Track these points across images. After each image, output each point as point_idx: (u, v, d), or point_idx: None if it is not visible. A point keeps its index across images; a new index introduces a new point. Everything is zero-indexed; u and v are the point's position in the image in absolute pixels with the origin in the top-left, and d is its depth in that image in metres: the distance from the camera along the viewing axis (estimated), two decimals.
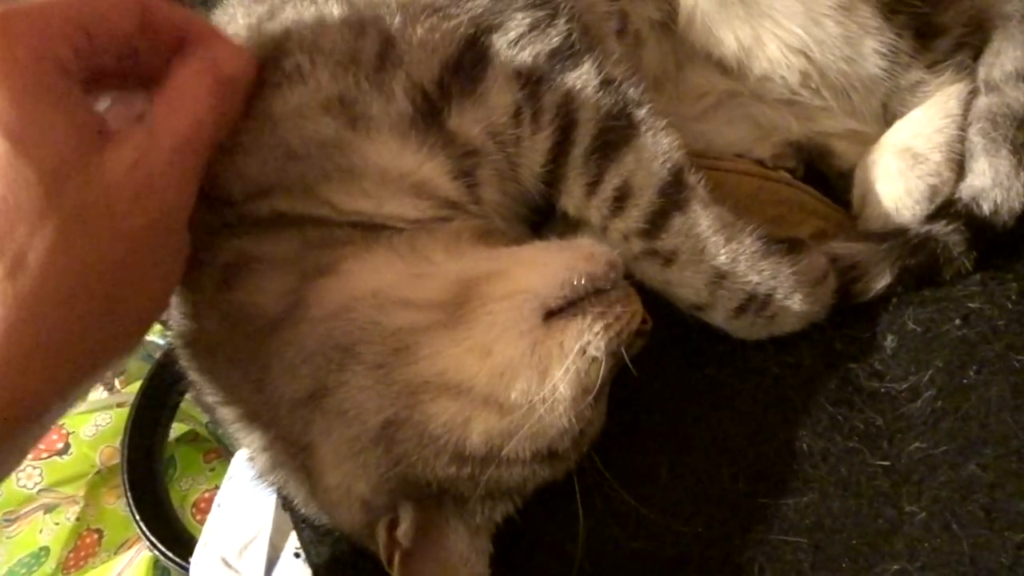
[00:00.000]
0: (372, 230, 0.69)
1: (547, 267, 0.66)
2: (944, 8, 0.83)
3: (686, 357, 0.76)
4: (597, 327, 0.64)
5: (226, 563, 0.81)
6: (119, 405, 1.17)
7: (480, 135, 0.70)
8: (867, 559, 0.62)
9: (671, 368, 0.76)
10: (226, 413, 0.71)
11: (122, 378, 1.26)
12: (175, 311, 0.74)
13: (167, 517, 0.98)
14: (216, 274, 0.69)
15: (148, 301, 0.59)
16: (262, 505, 0.82)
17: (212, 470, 1.20)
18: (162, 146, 0.55)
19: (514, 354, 0.62)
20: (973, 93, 0.84)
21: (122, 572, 1.11)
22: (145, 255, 0.55)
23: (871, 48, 0.81)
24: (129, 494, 0.96)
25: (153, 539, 0.94)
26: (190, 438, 1.24)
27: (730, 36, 0.82)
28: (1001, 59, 0.83)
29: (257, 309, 0.66)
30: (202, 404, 0.75)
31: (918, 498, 0.63)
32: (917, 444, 0.66)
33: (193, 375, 0.73)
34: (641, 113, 0.73)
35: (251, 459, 0.72)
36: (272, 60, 0.69)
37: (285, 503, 0.74)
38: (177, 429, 1.20)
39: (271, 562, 0.80)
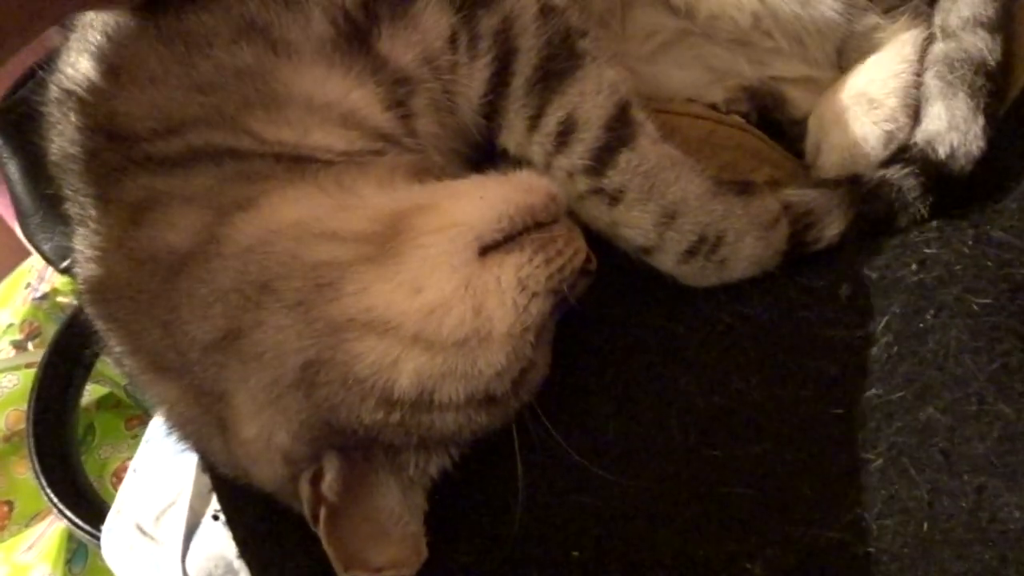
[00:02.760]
0: (296, 163, 0.63)
1: (483, 200, 0.61)
2: None
3: (634, 306, 0.72)
4: (537, 260, 0.60)
5: (141, 530, 0.75)
6: (28, 366, 1.10)
7: (413, 61, 0.66)
8: (822, 508, 0.59)
9: (618, 317, 0.72)
10: (133, 364, 0.65)
11: (36, 340, 1.18)
12: (80, 256, 0.68)
13: (78, 485, 0.91)
14: (123, 213, 0.64)
15: None
16: (181, 469, 0.77)
17: (134, 437, 1.13)
18: None
19: (447, 289, 0.58)
20: (929, 39, 0.81)
21: (34, 544, 1.04)
22: None
23: None
24: (36, 459, 0.89)
25: (62, 507, 0.87)
26: (111, 404, 1.16)
27: None
28: (958, 5, 0.81)
29: (167, 247, 0.61)
30: (110, 357, 0.69)
31: (874, 445, 0.60)
32: (873, 391, 0.63)
33: (99, 324, 0.67)
34: (585, 43, 0.69)
35: (163, 414, 0.66)
36: None
37: (202, 462, 0.69)
38: (94, 392, 1.13)
39: (191, 528, 0.74)
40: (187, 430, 0.65)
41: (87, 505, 0.90)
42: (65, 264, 0.89)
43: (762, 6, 0.79)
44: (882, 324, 0.67)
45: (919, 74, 0.80)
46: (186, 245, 0.60)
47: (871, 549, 0.55)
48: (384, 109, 0.65)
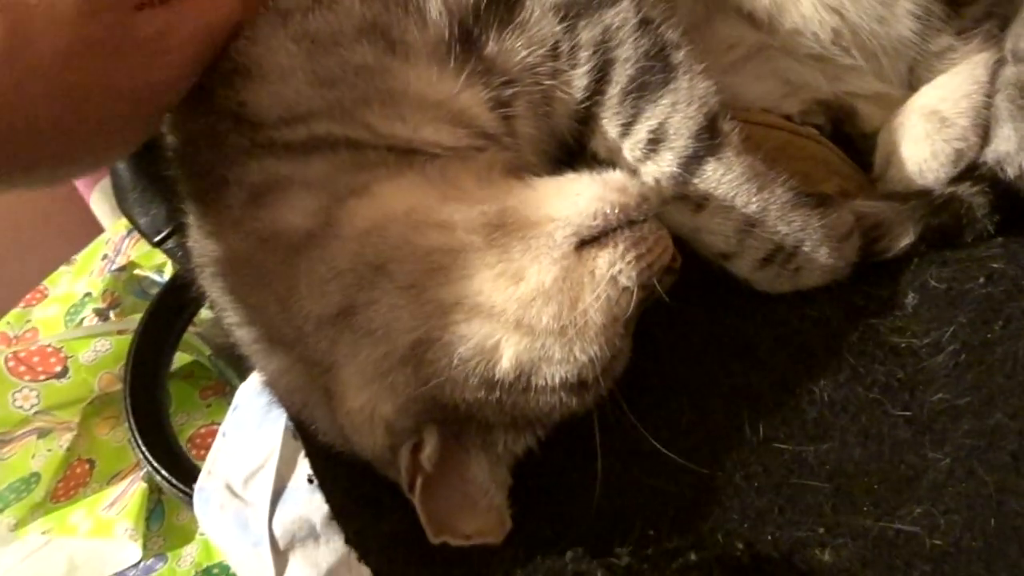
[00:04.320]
0: (406, 156, 0.68)
1: (580, 197, 0.65)
2: None
3: (712, 307, 0.76)
4: (629, 256, 0.64)
5: (231, 491, 0.80)
6: (120, 333, 1.16)
7: (517, 66, 0.70)
8: (890, 503, 0.62)
9: (697, 317, 0.76)
10: (246, 334, 0.70)
11: (117, 311, 1.24)
12: (196, 232, 0.73)
13: (168, 444, 0.96)
14: (243, 194, 0.68)
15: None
16: (269, 435, 0.81)
17: (208, 406, 1.18)
18: (184, 29, 0.65)
19: (546, 280, 0.62)
20: (1000, 62, 0.84)
21: (115, 502, 1.10)
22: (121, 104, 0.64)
23: (904, 9, 0.81)
24: (132, 418, 0.95)
25: (155, 464, 0.92)
26: (186, 374, 1.22)
27: None
28: None
29: (287, 226, 0.65)
30: (221, 327, 0.74)
31: (941, 446, 0.63)
32: (940, 395, 0.66)
33: (215, 295, 0.72)
34: (679, 56, 0.72)
35: (269, 383, 0.71)
36: None
37: (298, 430, 0.74)
38: (179, 360, 1.18)
39: (277, 492, 0.79)
40: (292, 398, 0.69)
41: (174, 464, 0.95)
42: (159, 238, 0.94)
43: (842, 22, 0.82)
44: (949, 333, 0.70)
45: (990, 95, 0.83)
46: (305, 226, 0.65)
47: (939, 542, 0.59)
48: (490, 109, 0.69)
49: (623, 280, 0.64)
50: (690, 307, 0.75)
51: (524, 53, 0.70)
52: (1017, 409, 0.62)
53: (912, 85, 0.87)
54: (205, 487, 0.82)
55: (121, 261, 1.30)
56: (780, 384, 0.72)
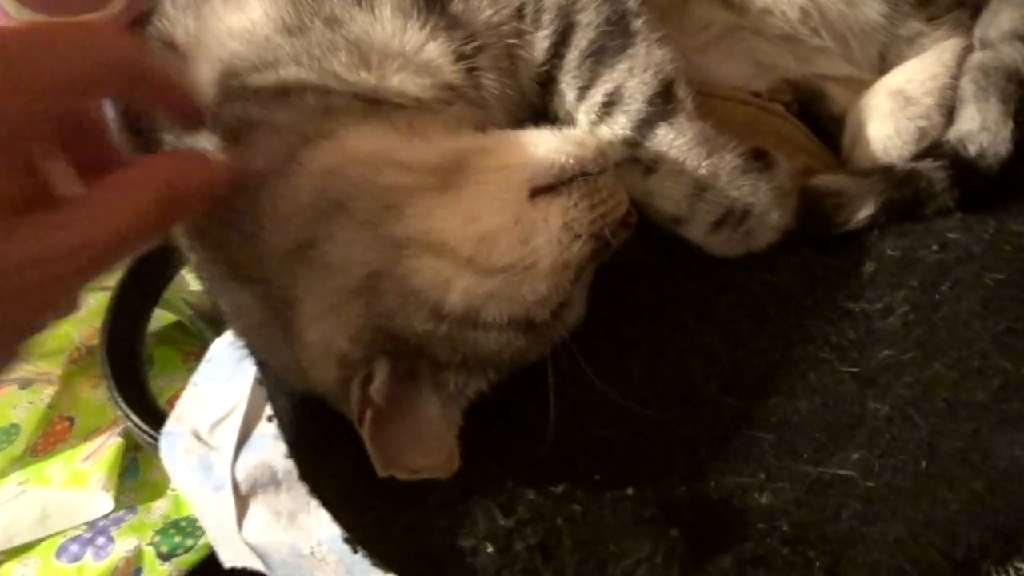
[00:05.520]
0: (373, 104, 0.70)
1: (539, 147, 0.67)
2: None
3: (671, 268, 0.78)
4: (582, 205, 0.66)
5: (197, 436, 0.82)
6: (104, 288, 1.18)
7: (483, 24, 0.73)
8: (829, 449, 0.63)
9: (656, 276, 0.77)
10: (214, 271, 0.72)
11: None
12: None
13: (143, 393, 0.98)
14: (216, 136, 0.71)
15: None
16: (238, 385, 0.83)
17: (190, 370, 1.20)
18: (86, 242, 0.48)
19: (499, 221, 0.64)
20: (968, 49, 0.86)
21: (91, 456, 1.12)
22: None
23: None
24: (108, 366, 0.97)
25: (126, 408, 0.94)
26: (170, 339, 1.24)
27: None
28: (999, 18, 0.85)
29: (255, 166, 0.68)
30: (193, 267, 0.76)
31: (883, 397, 0.64)
32: (886, 352, 0.68)
33: (185, 237, 0.74)
34: (638, 23, 0.75)
35: (232, 320, 0.73)
36: None
37: (259, 368, 0.75)
38: (161, 319, 1.21)
39: (242, 438, 0.81)
40: (255, 334, 0.71)
41: (149, 414, 0.97)
42: None
43: (811, 3, 0.84)
44: (900, 296, 0.71)
45: (956, 78, 0.84)
46: (271, 165, 0.67)
47: (872, 484, 0.60)
48: (454, 61, 0.72)
49: (575, 227, 0.65)
50: (649, 267, 0.77)
51: (489, 12, 0.72)
52: (955, 360, 0.63)
53: (883, 70, 0.89)
54: (172, 431, 0.84)
55: None
56: (734, 343, 0.73)
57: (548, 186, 0.66)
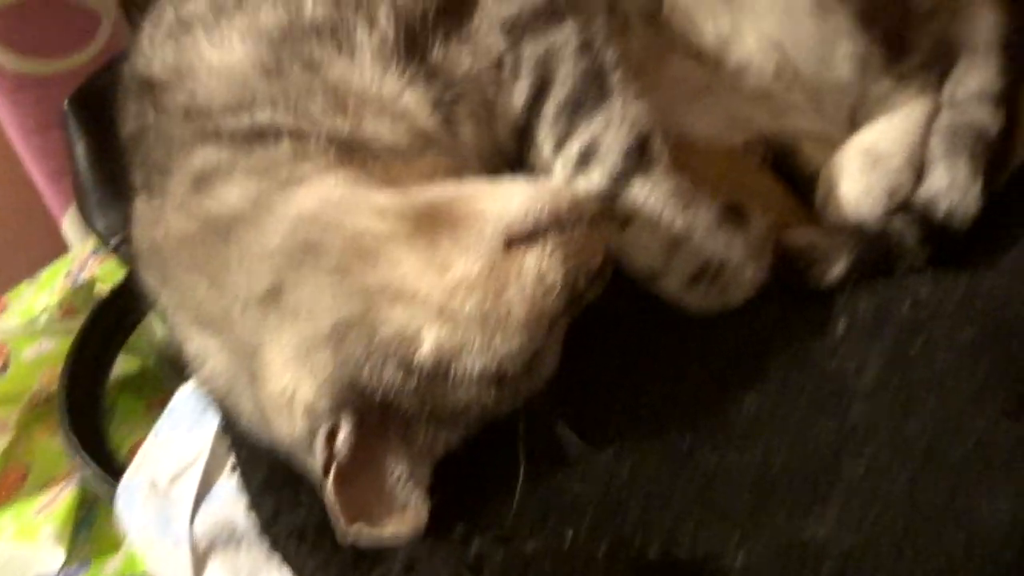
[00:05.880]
0: (348, 150, 0.70)
1: (514, 196, 0.67)
2: (916, 26, 0.88)
3: (647, 318, 0.77)
4: (558, 255, 0.65)
5: (156, 487, 0.78)
6: (67, 332, 1.15)
7: (461, 74, 0.73)
8: (806, 506, 0.62)
9: (631, 326, 0.77)
10: (180, 317, 0.70)
11: (60, 311, 1.23)
12: (139, 218, 0.75)
13: (102, 442, 0.95)
14: (187, 179, 0.70)
15: None
16: (201, 435, 0.80)
17: (153, 420, 1.16)
18: None
19: (472, 271, 0.63)
20: (937, 109, 0.88)
21: (44, 508, 1.07)
22: None
23: (845, 52, 0.85)
24: (67, 416, 0.93)
25: (86, 459, 0.90)
26: (135, 387, 1.21)
27: (710, 25, 0.86)
28: (966, 79, 0.87)
29: (226, 209, 0.67)
30: (158, 312, 0.75)
31: (860, 454, 0.64)
32: (862, 408, 0.67)
33: (151, 281, 0.73)
34: (616, 78, 0.75)
35: (196, 368, 0.71)
36: None
37: (223, 417, 0.73)
38: (126, 365, 1.17)
39: (202, 492, 0.78)
40: (219, 383, 0.69)
41: (108, 462, 0.93)
42: (115, 241, 0.95)
43: (785, 60, 0.85)
44: (874, 353, 0.71)
45: (926, 138, 0.86)
46: (243, 208, 0.66)
47: (850, 542, 0.59)
48: (431, 110, 0.72)
49: (549, 279, 0.65)
50: (624, 316, 0.76)
51: (468, 62, 0.73)
52: (931, 418, 0.63)
53: (854, 128, 0.91)
54: (130, 484, 0.81)
55: (84, 277, 1.31)
56: (709, 396, 0.72)
57: (523, 236, 0.65)
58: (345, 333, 0.61)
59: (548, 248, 0.65)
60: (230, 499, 0.78)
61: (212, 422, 0.81)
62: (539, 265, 0.64)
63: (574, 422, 0.70)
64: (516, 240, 0.65)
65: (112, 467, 0.94)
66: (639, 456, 0.70)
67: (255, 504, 0.69)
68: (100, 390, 1.01)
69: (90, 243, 1.38)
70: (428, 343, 0.61)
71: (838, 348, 0.74)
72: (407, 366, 0.61)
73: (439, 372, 0.62)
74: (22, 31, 1.34)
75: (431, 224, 0.64)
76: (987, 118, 0.85)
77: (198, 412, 0.82)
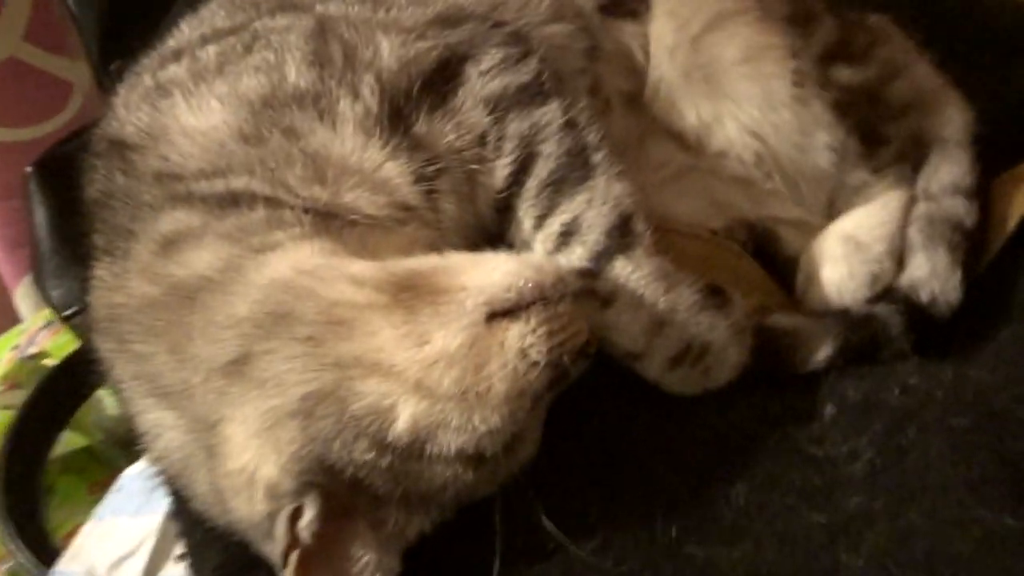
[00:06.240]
0: (324, 219, 0.67)
1: (496, 270, 0.65)
2: (889, 120, 0.90)
3: (630, 403, 0.74)
4: (540, 331, 0.62)
5: None
6: (5, 408, 1.08)
7: (445, 148, 0.72)
8: None
9: (611, 412, 0.74)
10: (134, 388, 0.66)
11: (4, 385, 1.16)
12: (99, 284, 0.71)
13: (37, 525, 0.87)
14: (153, 244, 0.67)
15: None
16: (147, 520, 0.74)
17: (95, 502, 1.09)
18: None
19: (452, 345, 0.60)
20: (912, 200, 0.89)
21: None
22: None
23: (822, 142, 0.86)
24: (2, 497, 0.86)
25: (18, 545, 0.82)
26: (77, 466, 1.13)
27: (691, 111, 0.87)
28: (939, 173, 0.89)
29: (192, 274, 0.64)
30: (111, 384, 0.70)
31: (856, 548, 0.60)
32: (856, 499, 0.64)
33: (106, 349, 0.68)
34: (598, 157, 0.75)
35: (149, 442, 0.66)
36: (243, 51, 0.71)
37: (174, 497, 0.68)
38: (68, 443, 1.10)
39: None
40: (173, 460, 0.64)
41: (42, 548, 0.86)
42: (68, 312, 0.91)
43: (764, 148, 0.86)
44: (865, 441, 0.69)
45: (903, 227, 0.87)
46: (209, 274, 0.63)
47: None
48: (413, 182, 0.70)
49: (532, 354, 0.62)
50: (608, 401, 0.73)
51: (452, 137, 0.72)
52: (930, 509, 0.60)
53: (831, 215, 0.91)
54: (64, 571, 0.74)
55: (32, 351, 1.25)
56: (696, 486, 0.69)
57: (506, 310, 0.63)
58: (315, 406, 0.57)
59: (532, 323, 0.63)
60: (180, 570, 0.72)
61: (160, 505, 0.75)
62: (522, 340, 0.62)
63: (553, 511, 0.66)
64: (498, 314, 0.62)
65: (47, 553, 0.87)
66: (621, 548, 0.65)
67: None
68: (39, 469, 0.94)
69: (41, 316, 1.32)
70: (403, 419, 0.57)
71: (827, 435, 0.72)
72: (380, 443, 0.57)
73: (414, 450, 0.58)
74: None
75: (410, 295, 0.61)
76: (962, 210, 0.86)
77: (145, 493, 0.76)
